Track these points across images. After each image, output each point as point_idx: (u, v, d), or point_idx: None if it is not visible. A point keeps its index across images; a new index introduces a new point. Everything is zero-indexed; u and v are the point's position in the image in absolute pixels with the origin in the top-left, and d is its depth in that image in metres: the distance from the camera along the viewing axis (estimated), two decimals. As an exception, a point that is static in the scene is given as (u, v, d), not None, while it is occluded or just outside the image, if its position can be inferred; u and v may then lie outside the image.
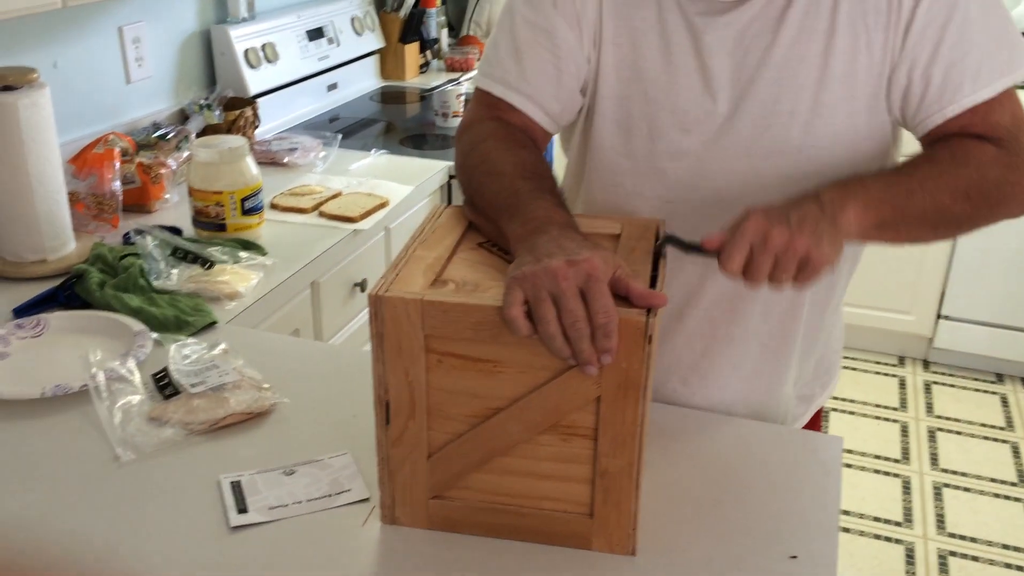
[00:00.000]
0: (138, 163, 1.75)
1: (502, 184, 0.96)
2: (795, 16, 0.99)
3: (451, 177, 2.13)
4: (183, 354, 1.22)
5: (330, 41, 2.59)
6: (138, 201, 1.75)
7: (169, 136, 1.92)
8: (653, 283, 0.87)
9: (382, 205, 1.81)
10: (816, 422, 1.36)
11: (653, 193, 1.09)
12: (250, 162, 1.62)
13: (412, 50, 2.94)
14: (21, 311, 1.36)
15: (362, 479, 1.00)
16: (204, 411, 1.11)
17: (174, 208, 1.80)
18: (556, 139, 1.21)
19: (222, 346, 1.27)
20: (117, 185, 1.65)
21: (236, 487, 0.99)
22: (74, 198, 1.64)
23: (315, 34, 2.53)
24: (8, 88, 1.41)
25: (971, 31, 0.98)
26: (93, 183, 1.67)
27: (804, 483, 1.01)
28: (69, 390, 1.14)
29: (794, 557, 0.90)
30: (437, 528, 0.92)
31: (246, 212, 1.60)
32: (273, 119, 2.35)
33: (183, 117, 2.10)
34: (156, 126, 1.96)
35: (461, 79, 2.86)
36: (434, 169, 2.08)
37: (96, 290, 1.36)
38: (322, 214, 1.77)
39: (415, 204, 1.98)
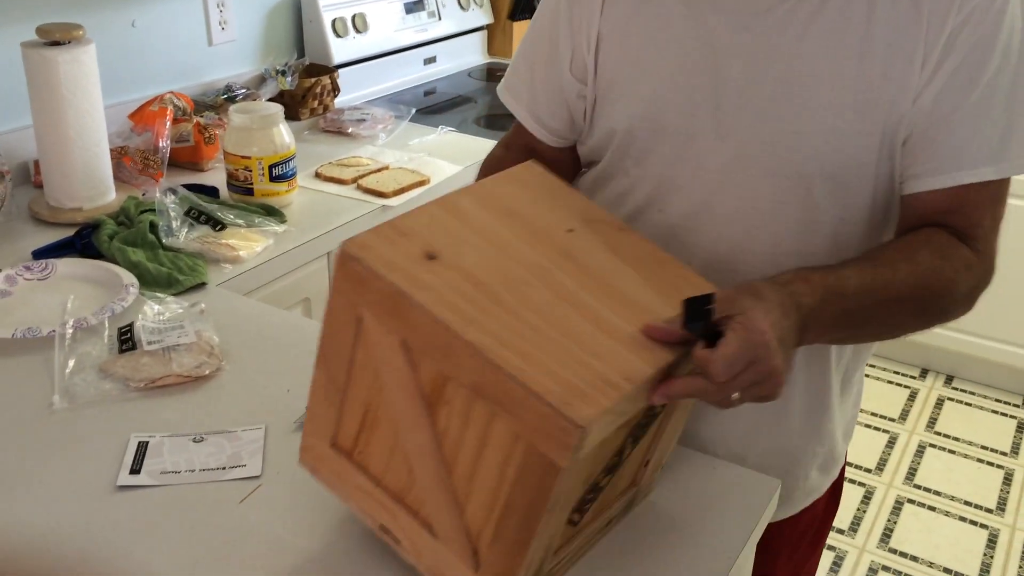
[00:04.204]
0: (195, 123, 1.82)
1: None
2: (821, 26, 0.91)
3: (513, 160, 2.09)
4: (156, 311, 1.26)
5: (431, 15, 2.60)
6: (191, 159, 1.82)
7: (237, 98, 1.98)
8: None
9: (420, 183, 1.79)
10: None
11: (642, 191, 1.04)
12: (283, 129, 1.64)
13: (521, 28, 2.90)
14: (40, 254, 1.45)
15: (261, 457, 1.00)
16: (147, 369, 1.14)
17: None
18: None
19: (201, 306, 1.30)
20: (164, 143, 1.72)
21: (142, 448, 1.01)
22: (125, 152, 1.72)
23: (414, 6, 2.54)
24: (54, 43, 1.49)
25: (995, 99, 0.88)
26: (148, 139, 1.75)
27: (711, 519, 0.92)
28: (38, 334, 1.20)
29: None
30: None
31: (274, 179, 1.63)
32: (359, 89, 2.38)
33: (263, 82, 2.16)
34: (229, 88, 2.02)
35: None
36: (493, 150, 2.04)
37: (106, 241, 1.43)
38: (359, 187, 1.77)
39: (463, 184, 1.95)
